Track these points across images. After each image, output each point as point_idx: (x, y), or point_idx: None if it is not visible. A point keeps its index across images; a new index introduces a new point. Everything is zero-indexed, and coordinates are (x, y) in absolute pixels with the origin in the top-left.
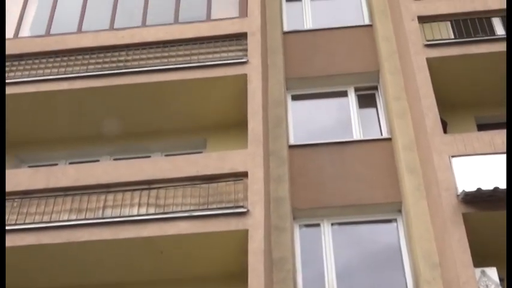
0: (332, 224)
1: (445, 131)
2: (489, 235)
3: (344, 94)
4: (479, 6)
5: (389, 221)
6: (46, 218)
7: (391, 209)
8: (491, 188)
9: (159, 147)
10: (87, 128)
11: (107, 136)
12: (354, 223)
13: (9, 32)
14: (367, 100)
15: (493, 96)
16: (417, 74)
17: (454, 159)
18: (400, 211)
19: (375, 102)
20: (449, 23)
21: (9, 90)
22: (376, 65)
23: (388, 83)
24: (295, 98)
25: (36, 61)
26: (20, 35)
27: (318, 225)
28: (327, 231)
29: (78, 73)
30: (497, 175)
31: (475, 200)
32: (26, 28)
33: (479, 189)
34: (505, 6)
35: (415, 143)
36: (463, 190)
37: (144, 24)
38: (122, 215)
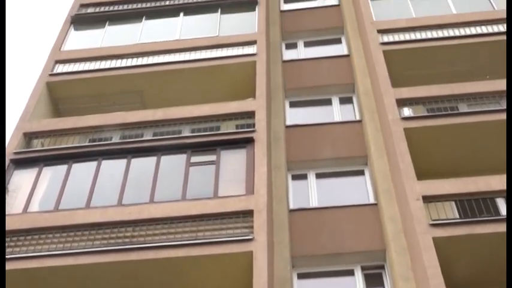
0: None
1: None
2: None
3: (351, 273)
4: (482, 187)
5: None
6: None
7: None
8: None
9: None
10: None
11: None
12: None
13: (18, 208)
14: (374, 279)
15: (501, 276)
16: (424, 253)
17: None
18: None
19: (382, 281)
20: (453, 203)
21: (12, 265)
22: (382, 244)
23: (394, 263)
24: (301, 276)
25: (43, 236)
26: (29, 210)
27: None
28: None
29: (84, 248)
30: None
31: None
32: (35, 203)
33: None
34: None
35: None
36: None
37: (151, 200)
38: None
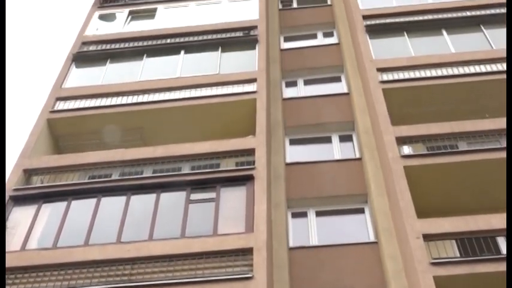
0: None
1: None
2: None
3: None
4: (483, 226)
5: None
6: None
7: None
8: None
9: None
10: None
11: None
12: None
13: (16, 245)
14: None
15: None
16: None
17: None
18: None
19: None
20: (454, 241)
21: None
22: (382, 283)
23: None
24: None
25: (41, 274)
26: (27, 247)
27: None
28: None
29: (82, 286)
30: None
31: None
32: (33, 240)
33: None
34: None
35: None
36: None
37: (151, 238)
38: None
